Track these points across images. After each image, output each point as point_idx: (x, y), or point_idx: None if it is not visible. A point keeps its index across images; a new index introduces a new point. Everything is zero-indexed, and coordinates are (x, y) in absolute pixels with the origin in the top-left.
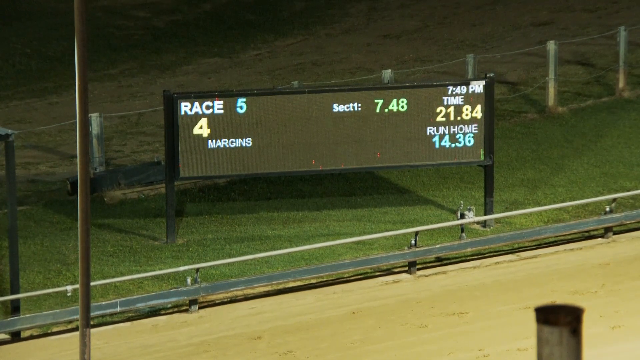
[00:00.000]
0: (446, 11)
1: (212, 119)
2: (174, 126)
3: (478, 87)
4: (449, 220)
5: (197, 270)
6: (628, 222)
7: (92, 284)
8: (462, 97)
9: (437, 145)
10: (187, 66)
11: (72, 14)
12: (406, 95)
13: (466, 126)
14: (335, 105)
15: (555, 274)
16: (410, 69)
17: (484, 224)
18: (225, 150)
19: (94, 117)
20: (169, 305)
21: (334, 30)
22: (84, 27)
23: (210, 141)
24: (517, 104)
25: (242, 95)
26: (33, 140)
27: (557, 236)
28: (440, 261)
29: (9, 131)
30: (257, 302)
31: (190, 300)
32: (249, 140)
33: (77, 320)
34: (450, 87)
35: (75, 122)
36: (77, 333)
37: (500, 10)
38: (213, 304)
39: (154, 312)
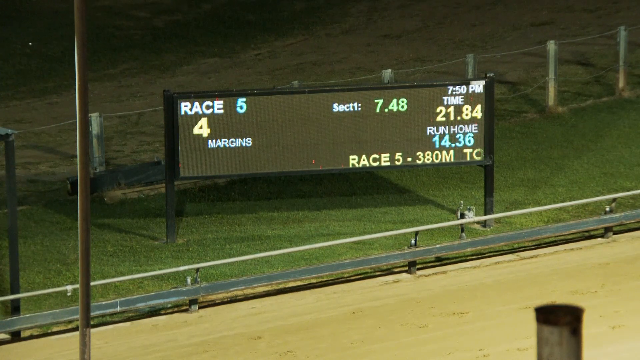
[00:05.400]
0: (446, 11)
1: (212, 119)
2: (174, 126)
3: (478, 87)
4: (449, 220)
5: (197, 270)
6: (628, 222)
7: (92, 284)
8: (462, 97)
9: (437, 145)
10: (187, 66)
11: (72, 14)
12: (406, 95)
13: (466, 126)
14: (335, 105)
15: (555, 274)
16: (410, 69)
17: (484, 223)
18: (225, 150)
19: (94, 117)
20: (169, 305)
21: (334, 30)
22: (84, 27)
23: (210, 141)
24: (517, 104)
25: (242, 95)
26: (33, 140)
27: (557, 236)
28: (440, 261)
29: (9, 131)
30: (257, 302)
31: (190, 300)
32: (249, 140)
33: (77, 320)
34: (450, 87)
35: (75, 122)
36: (77, 333)
37: (500, 10)
38: (213, 304)
39: (154, 312)
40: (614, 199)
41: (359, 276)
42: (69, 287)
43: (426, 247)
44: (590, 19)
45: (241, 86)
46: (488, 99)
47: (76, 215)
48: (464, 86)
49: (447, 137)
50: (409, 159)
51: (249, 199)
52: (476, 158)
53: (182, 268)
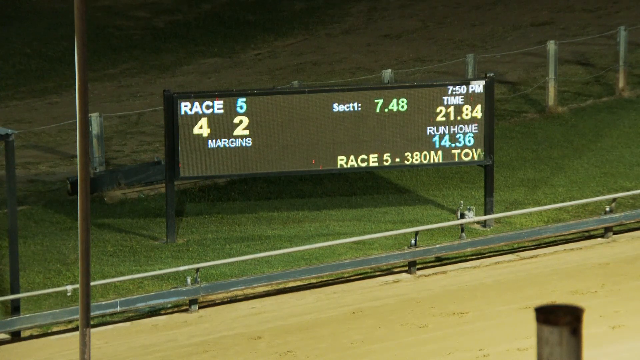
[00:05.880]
0: (446, 11)
1: (212, 119)
2: (174, 126)
3: (478, 87)
4: (449, 220)
5: (197, 270)
6: (628, 222)
7: (92, 284)
8: (462, 97)
9: (437, 145)
10: (187, 66)
11: (72, 14)
12: (406, 95)
13: (466, 126)
14: (335, 105)
15: (555, 274)
16: (410, 69)
17: (484, 223)
18: (225, 150)
19: (94, 117)
20: (169, 305)
21: (334, 30)
22: (84, 27)
23: (210, 141)
24: (517, 104)
25: (242, 95)
26: (33, 140)
27: (557, 236)
28: (440, 261)
29: (9, 131)
30: (257, 302)
31: (190, 300)
32: (249, 140)
33: (77, 320)
34: (450, 87)
35: (75, 122)
36: (77, 333)
37: (500, 10)
38: (213, 304)
39: (154, 312)
40: (614, 199)
41: (359, 276)
42: (69, 287)
43: (426, 247)
44: (590, 19)
45: (241, 86)
46: (488, 99)
47: (76, 215)
48: (464, 86)
49: (447, 137)
50: (409, 159)
51: (249, 199)
52: (476, 158)
53: (182, 268)
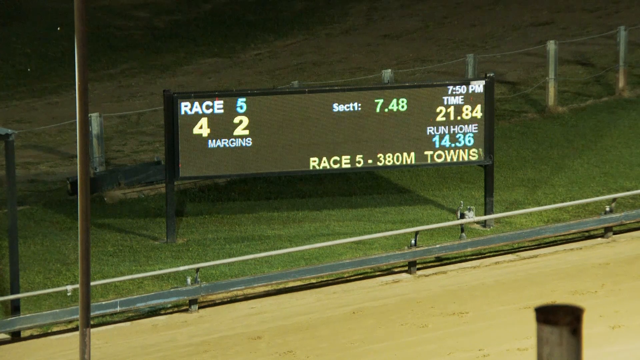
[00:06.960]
0: (446, 11)
1: (212, 119)
2: (174, 126)
3: (478, 87)
4: (449, 220)
5: (197, 270)
6: (628, 222)
7: (92, 283)
8: (462, 97)
9: (437, 145)
10: (187, 66)
11: (72, 14)
12: (406, 95)
13: (466, 126)
14: (335, 105)
15: (555, 274)
16: (410, 69)
17: (484, 223)
18: (225, 150)
19: (94, 117)
20: (169, 305)
21: (334, 30)
22: (84, 27)
23: (210, 141)
24: (517, 104)
25: (242, 95)
26: (33, 140)
27: (557, 236)
28: (440, 261)
29: (9, 131)
30: (257, 302)
31: (190, 300)
32: (249, 140)
33: (77, 320)
34: (450, 87)
35: (75, 122)
36: (77, 333)
37: (500, 10)
38: (213, 303)
39: (154, 312)
40: (614, 199)
41: (359, 276)
42: (69, 287)
43: (426, 247)
44: (590, 19)
45: (241, 86)
46: (488, 99)
47: (76, 215)
48: (464, 86)
49: (447, 137)
50: (409, 159)
51: (249, 199)
52: (476, 158)
53: (182, 268)
